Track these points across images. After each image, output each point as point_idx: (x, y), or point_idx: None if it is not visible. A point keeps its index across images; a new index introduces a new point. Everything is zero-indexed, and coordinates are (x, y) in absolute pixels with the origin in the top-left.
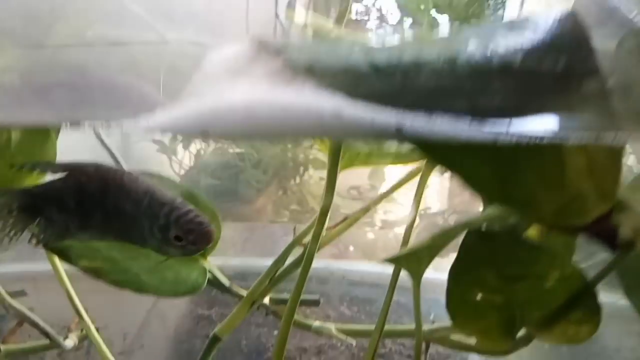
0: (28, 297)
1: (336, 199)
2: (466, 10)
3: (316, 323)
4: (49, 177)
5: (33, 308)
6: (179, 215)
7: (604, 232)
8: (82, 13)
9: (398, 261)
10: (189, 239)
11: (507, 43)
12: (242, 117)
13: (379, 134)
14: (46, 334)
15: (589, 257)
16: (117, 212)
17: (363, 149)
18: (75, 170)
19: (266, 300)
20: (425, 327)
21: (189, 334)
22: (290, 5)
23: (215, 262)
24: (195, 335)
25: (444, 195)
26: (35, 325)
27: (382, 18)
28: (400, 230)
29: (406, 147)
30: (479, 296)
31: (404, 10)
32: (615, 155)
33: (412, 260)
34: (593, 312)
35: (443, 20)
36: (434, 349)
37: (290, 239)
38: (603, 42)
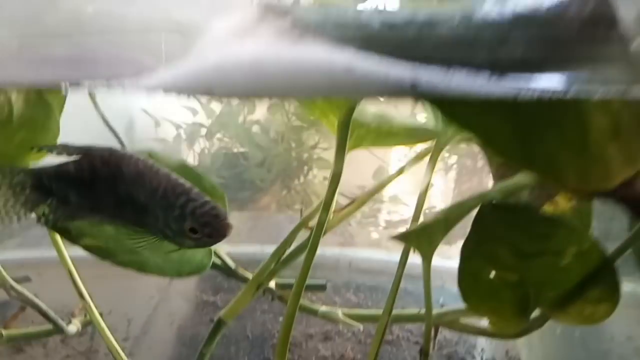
0: (32, 284)
1: (340, 199)
2: None
3: (323, 308)
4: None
5: (37, 294)
6: (195, 207)
7: (629, 197)
8: None
9: (408, 239)
10: (204, 232)
11: None
12: (249, 73)
13: (394, 91)
14: (49, 319)
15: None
16: (130, 199)
17: (372, 125)
18: (89, 154)
19: (272, 285)
20: (434, 311)
21: (194, 320)
22: None
23: (220, 250)
24: (200, 321)
25: (448, 195)
26: (38, 310)
27: None
28: (404, 230)
29: (415, 124)
30: (492, 274)
31: None
32: None
33: (423, 237)
34: (611, 290)
35: None
36: (441, 335)
37: None
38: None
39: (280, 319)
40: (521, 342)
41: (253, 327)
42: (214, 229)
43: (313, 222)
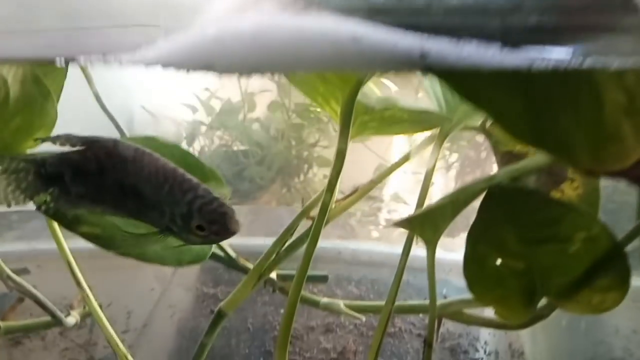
0: (31, 276)
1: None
2: None
3: (324, 299)
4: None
5: (36, 287)
6: (203, 204)
7: None
8: None
9: (411, 225)
10: (212, 229)
11: None
12: (251, 45)
13: (402, 62)
14: (48, 310)
15: None
16: (134, 192)
17: (376, 108)
18: (94, 145)
19: (273, 276)
20: (438, 302)
21: (194, 312)
22: None
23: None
24: (200, 313)
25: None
26: (36, 301)
27: None
28: (404, 231)
29: (421, 107)
30: (498, 261)
31: None
32: None
33: (427, 224)
34: (621, 278)
35: None
36: (444, 328)
37: None
38: None
39: (282, 311)
40: (525, 335)
41: (254, 319)
42: (221, 226)
43: (315, 212)
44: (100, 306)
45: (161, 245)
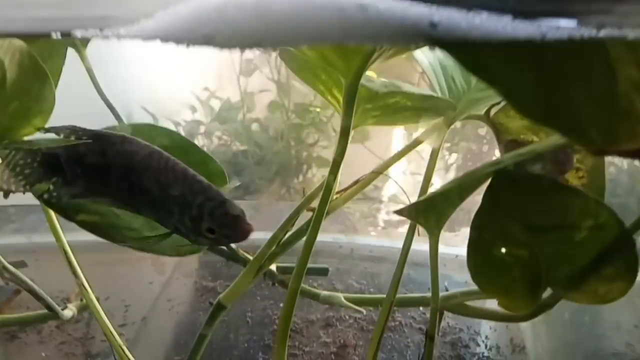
0: (28, 270)
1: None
2: None
3: (324, 292)
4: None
5: (33, 280)
6: (214, 207)
7: None
8: None
9: (413, 214)
10: (222, 233)
11: None
12: (253, 16)
13: (411, 32)
14: (44, 302)
15: None
16: (141, 189)
17: (379, 93)
18: (102, 139)
19: (273, 268)
20: (440, 294)
21: (193, 306)
22: None
23: None
24: (199, 307)
25: None
26: (32, 293)
27: None
28: (404, 231)
29: (427, 92)
30: (502, 250)
31: None
32: None
33: (430, 212)
34: (629, 267)
35: None
36: (445, 322)
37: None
38: None
39: (281, 305)
40: (526, 329)
41: (253, 313)
42: (233, 230)
43: (315, 204)
44: (98, 299)
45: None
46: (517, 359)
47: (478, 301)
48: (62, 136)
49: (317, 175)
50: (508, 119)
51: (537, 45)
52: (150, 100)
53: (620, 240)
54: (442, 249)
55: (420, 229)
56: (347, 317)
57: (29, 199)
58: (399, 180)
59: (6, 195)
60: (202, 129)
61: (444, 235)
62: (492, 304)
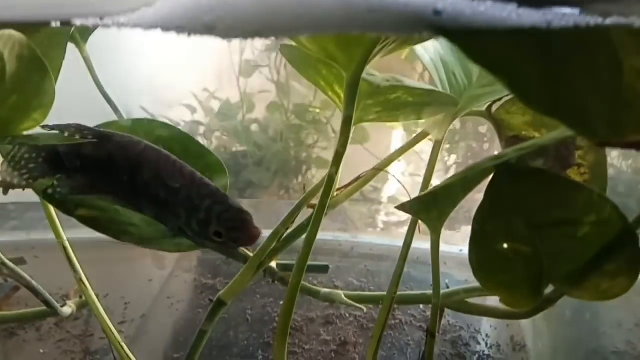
0: (27, 267)
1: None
2: None
3: (325, 290)
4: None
5: (33, 277)
6: (222, 210)
7: None
8: None
9: (415, 209)
10: (230, 237)
11: None
12: (255, 3)
13: (414, 19)
14: (43, 300)
15: None
16: (147, 192)
17: (381, 87)
18: (108, 139)
19: (273, 265)
20: (441, 292)
21: (192, 303)
22: None
23: None
24: (199, 304)
25: None
26: (31, 289)
27: None
28: (404, 231)
29: (429, 87)
30: (504, 246)
31: None
32: None
33: (432, 208)
34: (631, 263)
35: None
36: (445, 321)
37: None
38: None
39: (281, 302)
40: (527, 327)
41: (253, 310)
42: (240, 233)
43: (316, 201)
44: (97, 296)
45: (160, 231)
46: (517, 357)
47: (479, 299)
48: (67, 134)
49: (317, 176)
50: (510, 116)
51: (542, 34)
52: (150, 105)
53: (623, 236)
54: (442, 247)
55: (420, 227)
56: (347, 315)
57: (28, 196)
58: (399, 179)
59: (5, 192)
60: (201, 129)
61: (444, 233)
62: (492, 302)
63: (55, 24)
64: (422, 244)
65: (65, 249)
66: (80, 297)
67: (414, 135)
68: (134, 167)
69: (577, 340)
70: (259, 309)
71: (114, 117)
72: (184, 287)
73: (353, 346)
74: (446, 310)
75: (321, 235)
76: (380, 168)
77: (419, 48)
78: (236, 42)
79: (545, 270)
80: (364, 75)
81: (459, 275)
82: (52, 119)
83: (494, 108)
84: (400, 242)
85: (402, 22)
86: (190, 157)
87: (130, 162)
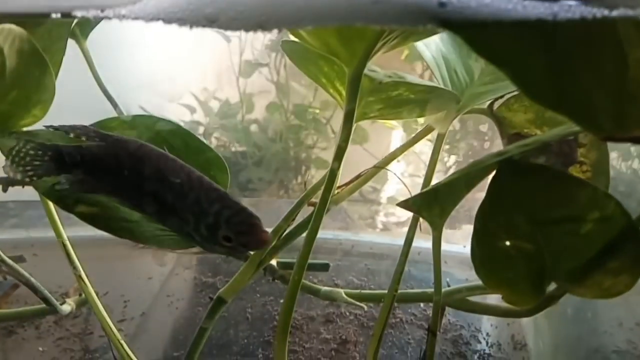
0: (27, 264)
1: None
2: None
3: (325, 288)
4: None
5: (32, 275)
6: (231, 215)
7: None
8: None
9: (417, 206)
10: (239, 241)
11: None
12: None
13: (419, 12)
14: (43, 297)
15: None
16: (154, 196)
17: (382, 83)
18: (116, 143)
19: (273, 263)
20: (442, 290)
21: (192, 301)
22: None
23: None
24: (198, 303)
25: None
26: (32, 288)
27: None
28: (403, 231)
29: (432, 83)
30: (507, 243)
31: None
32: None
33: (434, 204)
34: (634, 260)
35: None
36: (446, 319)
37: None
38: None
39: (281, 301)
40: (528, 326)
41: (253, 309)
42: (250, 238)
43: (317, 198)
44: (97, 294)
45: (160, 228)
46: (518, 356)
47: (480, 297)
48: (72, 135)
49: (316, 176)
50: (511, 113)
51: (547, 26)
52: (149, 105)
53: (626, 233)
54: (443, 245)
55: (421, 225)
56: (347, 313)
57: (28, 194)
58: (398, 182)
59: (5, 189)
60: (201, 129)
61: (445, 232)
62: (493, 300)
63: (55, 16)
64: (422, 242)
65: (64, 246)
66: (80, 294)
67: (413, 135)
68: (141, 171)
69: (578, 339)
70: (259, 307)
71: (113, 114)
72: (183, 285)
73: (353, 345)
74: (447, 309)
75: (321, 233)
76: (381, 166)
77: (420, 44)
78: (236, 42)
79: (547, 268)
80: (365, 71)
81: (460, 274)
82: (52, 114)
83: (496, 105)
84: (400, 241)
85: (407, 14)
86: (190, 153)
87: (138, 166)
